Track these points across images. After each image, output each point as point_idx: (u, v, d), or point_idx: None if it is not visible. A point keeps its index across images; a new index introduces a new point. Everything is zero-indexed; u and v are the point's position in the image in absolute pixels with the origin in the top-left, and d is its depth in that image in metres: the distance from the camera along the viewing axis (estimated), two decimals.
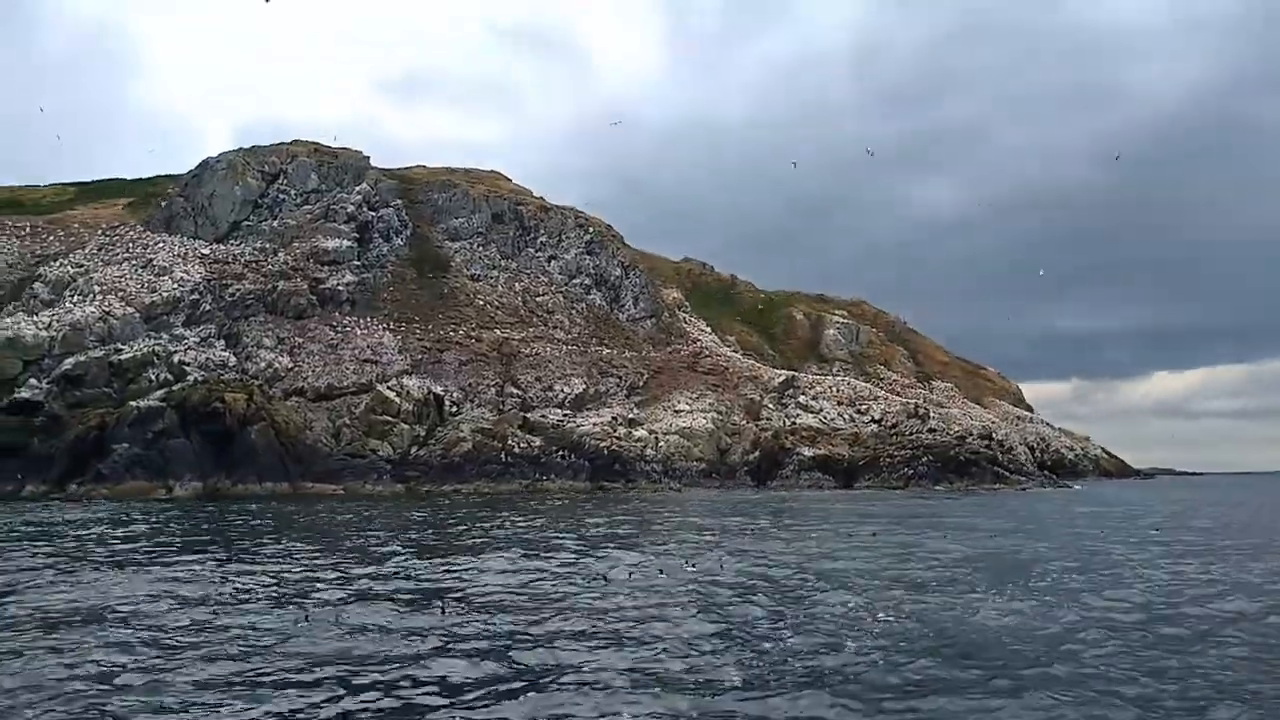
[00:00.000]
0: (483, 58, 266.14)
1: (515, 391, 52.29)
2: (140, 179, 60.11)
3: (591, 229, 66.40)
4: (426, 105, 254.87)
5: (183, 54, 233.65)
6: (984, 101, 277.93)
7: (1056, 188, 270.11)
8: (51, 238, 50.52)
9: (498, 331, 56.18)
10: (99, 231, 51.55)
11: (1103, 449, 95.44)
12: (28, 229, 50.83)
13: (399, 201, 59.91)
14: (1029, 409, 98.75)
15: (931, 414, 61.50)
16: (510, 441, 43.56)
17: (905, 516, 26.54)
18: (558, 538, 19.08)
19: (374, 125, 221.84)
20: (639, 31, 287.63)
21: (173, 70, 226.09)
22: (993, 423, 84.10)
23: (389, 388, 45.87)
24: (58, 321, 42.35)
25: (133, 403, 37.02)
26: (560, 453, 43.44)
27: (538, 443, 44.15)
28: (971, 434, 59.72)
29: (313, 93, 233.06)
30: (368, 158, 60.69)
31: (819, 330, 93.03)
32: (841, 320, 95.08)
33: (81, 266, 47.78)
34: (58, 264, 47.70)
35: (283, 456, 38.30)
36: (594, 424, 50.23)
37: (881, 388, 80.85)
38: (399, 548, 17.06)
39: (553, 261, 63.47)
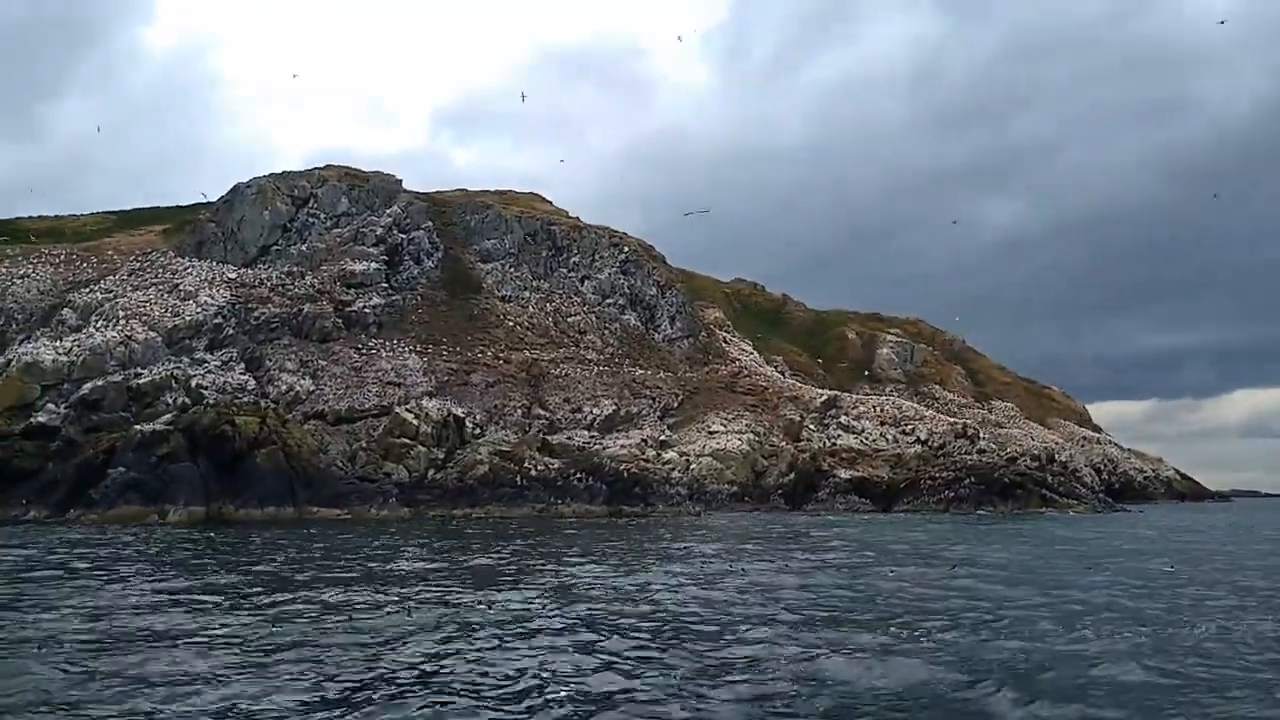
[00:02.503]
0: (539, 85, 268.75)
1: (543, 413, 51.04)
2: (179, 206, 60.80)
3: (626, 248, 65.14)
4: (483, 135, 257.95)
5: (252, 89, 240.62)
6: (1048, 119, 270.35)
7: (1125, 204, 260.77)
8: (85, 264, 51.15)
9: (527, 352, 55.10)
10: (131, 258, 52.03)
11: (1176, 471, 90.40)
12: (62, 256, 51.57)
13: (430, 224, 59.46)
14: (1096, 429, 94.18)
15: (982, 434, 58.44)
16: (527, 464, 42.21)
17: (884, 546, 24.36)
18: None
19: (433, 156, 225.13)
20: (695, 56, 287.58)
21: (242, 105, 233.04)
22: (1056, 444, 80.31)
23: (407, 410, 44.98)
24: (78, 346, 42.49)
25: (137, 426, 36.62)
26: (578, 475, 41.91)
27: (556, 465, 42.73)
28: (1025, 455, 56.51)
29: (375, 124, 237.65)
30: (399, 181, 60.51)
31: (872, 350, 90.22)
32: (895, 339, 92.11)
33: (110, 292, 48.12)
34: (87, 290, 48.10)
35: (292, 480, 37.46)
36: (621, 446, 48.68)
37: (936, 408, 77.77)
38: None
39: (586, 281, 62.32)
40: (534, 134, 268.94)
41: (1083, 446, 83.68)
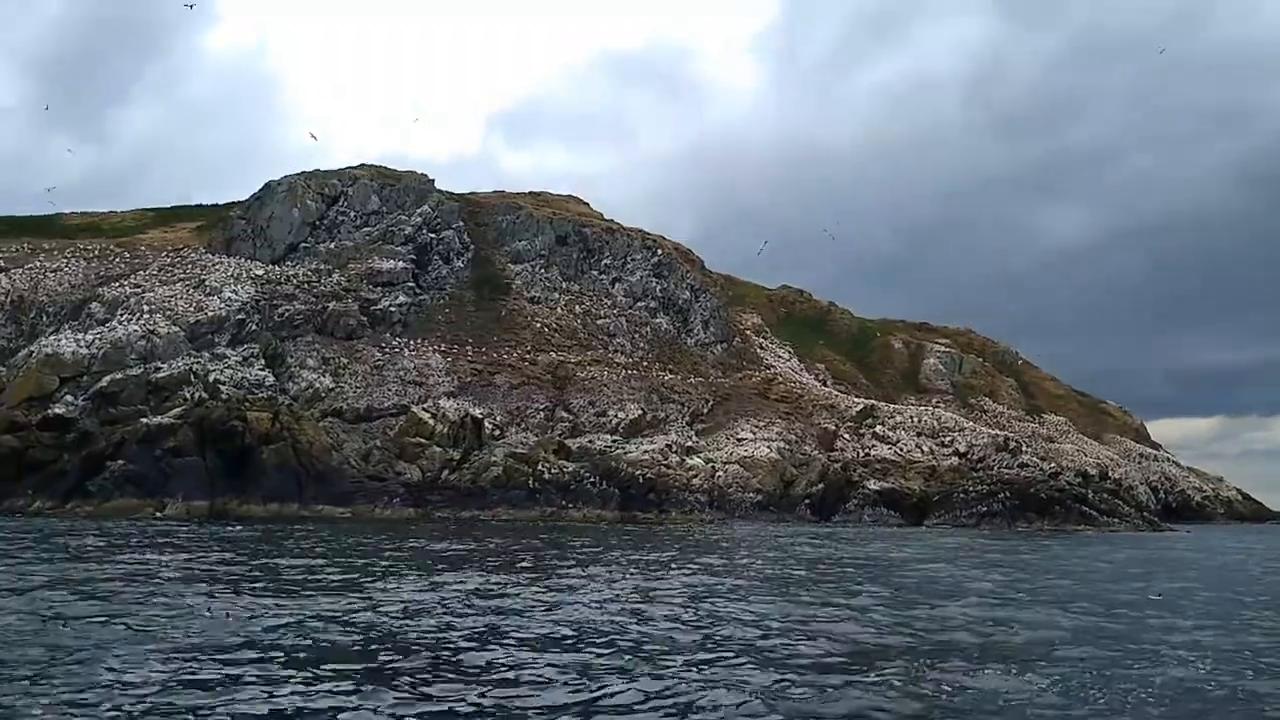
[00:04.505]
0: (593, 90, 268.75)
1: (566, 416, 50.14)
2: (216, 204, 61.31)
3: (660, 251, 64.03)
4: (537, 138, 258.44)
5: (313, 92, 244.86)
6: (1112, 124, 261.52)
7: (1193, 213, 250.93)
8: (118, 260, 51.58)
9: (554, 355, 54.27)
10: (163, 254, 52.42)
11: (1238, 491, 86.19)
12: (96, 251, 52.09)
13: (460, 224, 59.05)
14: (1155, 446, 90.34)
15: (1025, 448, 56.01)
16: (540, 467, 41.26)
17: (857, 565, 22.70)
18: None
19: (484, 160, 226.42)
20: (750, 60, 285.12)
21: (304, 108, 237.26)
22: (1110, 460, 77.27)
23: (424, 409, 44.43)
24: (99, 339, 42.69)
25: (144, 420, 36.50)
26: (591, 480, 40.83)
27: (570, 469, 41.69)
28: (1070, 471, 54.02)
29: (432, 129, 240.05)
30: (431, 180, 60.22)
31: (918, 359, 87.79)
32: (943, 349, 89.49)
33: (139, 287, 48.41)
34: (116, 285, 48.45)
35: (300, 477, 37.08)
36: (644, 451, 47.51)
37: (984, 420, 75.37)
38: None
39: (617, 284, 61.33)
40: (586, 138, 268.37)
41: (1139, 463, 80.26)
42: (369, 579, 15.43)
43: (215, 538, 23.14)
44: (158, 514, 31.33)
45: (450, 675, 8.36)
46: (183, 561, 17.25)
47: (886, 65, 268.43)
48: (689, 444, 51.00)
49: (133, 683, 7.68)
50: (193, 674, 8.08)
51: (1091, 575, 20.34)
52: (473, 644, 9.83)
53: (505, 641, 10.04)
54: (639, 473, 42.83)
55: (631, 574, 17.42)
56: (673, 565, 19.57)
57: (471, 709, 7.29)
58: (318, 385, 45.93)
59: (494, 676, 8.35)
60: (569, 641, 10.18)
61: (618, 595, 14.11)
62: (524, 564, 19.20)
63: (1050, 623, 12.52)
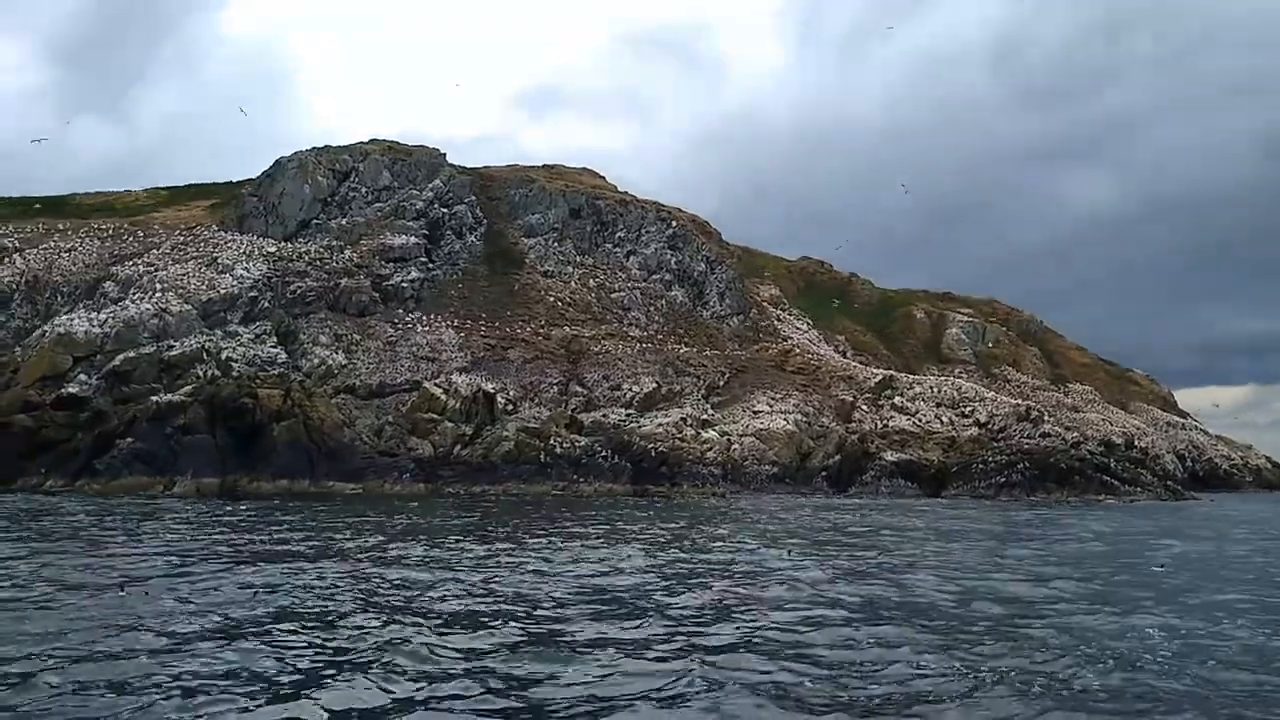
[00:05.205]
0: (613, 66, 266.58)
1: (580, 390, 49.85)
2: (229, 182, 61.19)
3: (675, 223, 63.30)
4: (558, 115, 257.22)
5: (334, 74, 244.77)
6: (1142, 94, 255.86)
7: (1225, 183, 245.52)
8: (131, 239, 51.61)
9: (567, 329, 53.90)
10: (176, 232, 52.41)
11: (1268, 459, 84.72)
12: (110, 230, 52.16)
13: (473, 198, 58.61)
14: (1182, 414, 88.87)
15: (1047, 417, 55.10)
16: (552, 441, 40.97)
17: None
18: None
19: (508, 137, 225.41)
20: (770, 33, 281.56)
21: (324, 90, 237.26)
22: (1137, 428, 76.18)
23: (436, 384, 44.20)
24: (112, 318, 42.74)
25: (154, 398, 36.51)
26: (603, 454, 40.50)
27: (582, 443, 41.37)
28: (1093, 440, 53.09)
29: (452, 107, 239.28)
30: (443, 155, 59.75)
31: (940, 329, 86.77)
32: (966, 319, 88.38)
33: (152, 266, 48.42)
34: (130, 264, 48.49)
35: (311, 454, 36.98)
36: (658, 425, 47.15)
37: (1007, 390, 74.42)
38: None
39: (631, 257, 60.75)
40: (607, 114, 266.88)
41: (1166, 432, 79.04)
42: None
43: (204, 516, 23.00)
44: (165, 491, 31.29)
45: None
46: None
47: (908, 36, 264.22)
48: (704, 417, 50.54)
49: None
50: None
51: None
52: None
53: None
54: (651, 446, 42.45)
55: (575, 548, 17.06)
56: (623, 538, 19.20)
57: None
58: (330, 362, 45.84)
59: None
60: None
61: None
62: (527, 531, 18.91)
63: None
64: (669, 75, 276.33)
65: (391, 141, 59.65)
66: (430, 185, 57.00)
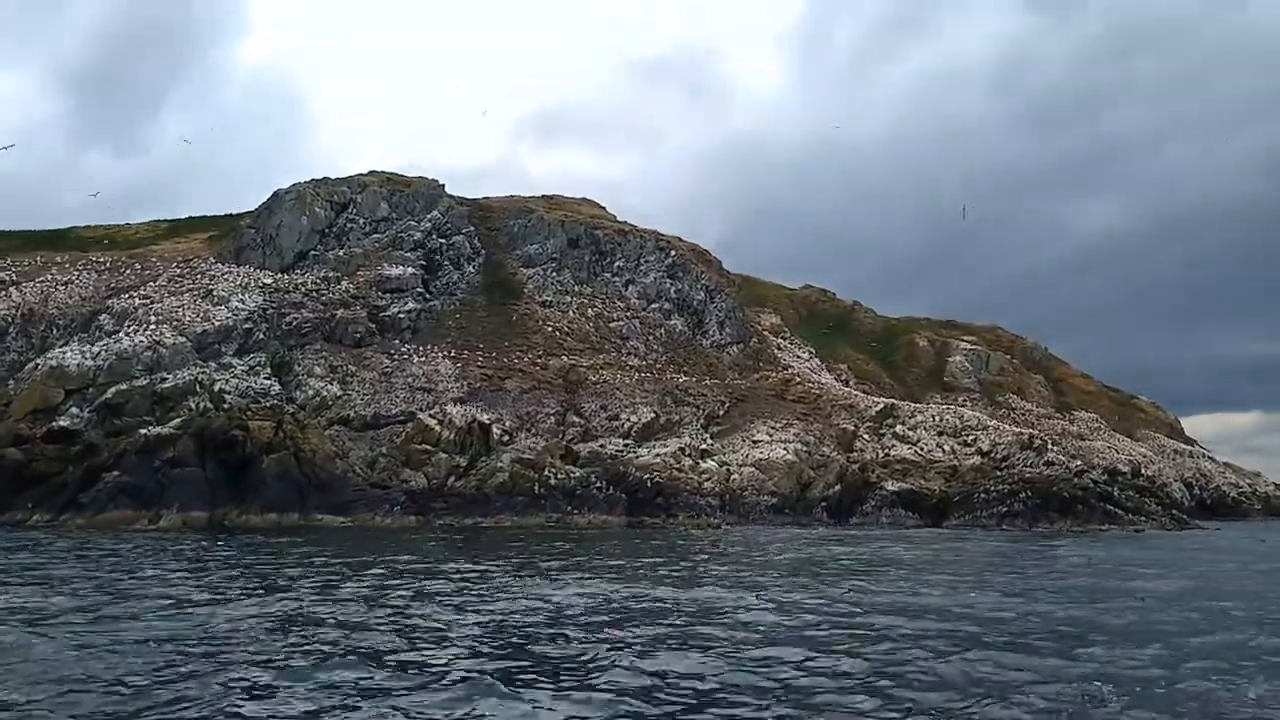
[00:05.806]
0: (616, 92, 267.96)
1: (578, 420, 49.39)
2: (228, 214, 61.26)
3: (674, 252, 63.15)
4: (563, 142, 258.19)
5: (340, 102, 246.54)
6: (1147, 114, 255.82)
7: (1231, 204, 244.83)
8: (129, 271, 51.56)
9: (565, 358, 53.55)
10: (173, 264, 52.37)
11: (1276, 485, 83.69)
12: (108, 263, 52.14)
13: (471, 229, 58.58)
14: (1189, 442, 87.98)
15: (1051, 446, 54.39)
16: (547, 472, 40.52)
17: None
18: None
19: (513, 165, 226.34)
20: (774, 57, 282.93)
21: (332, 119, 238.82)
22: (1143, 456, 75.35)
23: (430, 415, 43.86)
24: (105, 351, 42.56)
25: (142, 431, 36.21)
26: (598, 485, 40.01)
27: (576, 474, 40.92)
28: (1099, 468, 52.37)
29: (457, 134, 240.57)
30: (442, 185, 59.81)
31: (944, 358, 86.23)
32: (970, 346, 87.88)
33: (148, 298, 48.32)
34: (126, 296, 48.39)
35: (302, 486, 36.61)
36: (656, 455, 46.63)
37: (1011, 419, 73.82)
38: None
39: (630, 286, 60.54)
40: (613, 142, 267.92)
41: (1173, 460, 78.19)
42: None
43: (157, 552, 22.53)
44: (150, 525, 30.90)
45: None
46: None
47: (913, 59, 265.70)
48: (703, 447, 50.04)
49: None
50: None
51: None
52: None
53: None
54: (647, 477, 41.96)
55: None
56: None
57: None
58: (325, 393, 45.53)
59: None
60: None
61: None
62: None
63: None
64: (672, 101, 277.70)
65: (390, 173, 59.76)
66: (428, 216, 57.00)
